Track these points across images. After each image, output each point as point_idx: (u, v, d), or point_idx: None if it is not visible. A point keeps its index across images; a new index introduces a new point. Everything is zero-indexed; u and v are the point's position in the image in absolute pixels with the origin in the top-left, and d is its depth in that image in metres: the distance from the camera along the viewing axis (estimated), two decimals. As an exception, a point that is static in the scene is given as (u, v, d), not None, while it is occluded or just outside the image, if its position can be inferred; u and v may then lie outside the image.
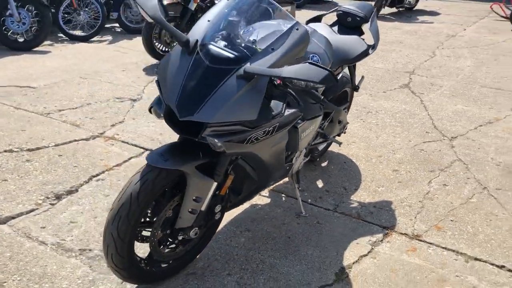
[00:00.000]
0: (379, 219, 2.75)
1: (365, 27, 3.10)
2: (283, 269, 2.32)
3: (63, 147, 3.46)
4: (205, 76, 1.83)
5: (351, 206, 2.87)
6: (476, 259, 2.45)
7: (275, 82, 1.95)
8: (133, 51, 6.18)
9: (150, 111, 2.01)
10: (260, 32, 2.00)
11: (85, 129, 3.78)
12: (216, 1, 5.68)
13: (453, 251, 2.50)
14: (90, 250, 2.41)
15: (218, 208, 2.17)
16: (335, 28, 3.12)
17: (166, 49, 5.65)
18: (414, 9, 10.20)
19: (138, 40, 6.67)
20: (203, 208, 2.03)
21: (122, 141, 3.60)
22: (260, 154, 2.02)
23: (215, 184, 2.01)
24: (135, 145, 3.54)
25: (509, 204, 2.94)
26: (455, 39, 7.58)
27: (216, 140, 1.80)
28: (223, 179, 2.06)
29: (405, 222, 2.73)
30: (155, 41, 5.50)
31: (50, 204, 2.79)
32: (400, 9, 9.83)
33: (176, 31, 1.94)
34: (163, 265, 2.17)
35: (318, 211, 2.81)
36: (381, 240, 2.57)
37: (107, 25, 7.34)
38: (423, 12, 10.01)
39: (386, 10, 9.63)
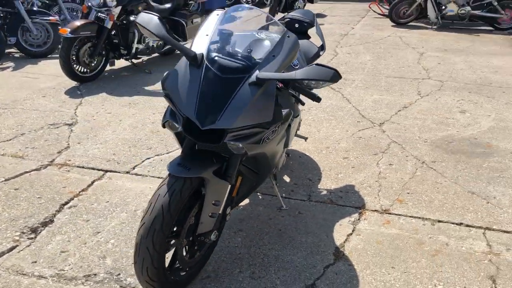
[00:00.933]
0: (350, 201, 3.06)
1: (311, 32, 3.41)
2: (287, 258, 2.52)
3: (15, 181, 3.28)
4: (219, 86, 1.97)
5: (322, 194, 3.15)
6: (439, 221, 2.86)
7: (278, 85, 2.14)
8: (44, 76, 5.89)
9: (163, 126, 2.08)
10: (257, 42, 2.18)
11: (31, 159, 3.60)
12: (132, 18, 5.67)
13: (419, 218, 2.89)
14: (95, 274, 2.39)
15: (228, 210, 2.30)
16: None
17: (86, 70, 5.49)
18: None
19: (45, 64, 6.39)
20: (220, 211, 2.15)
21: (78, 166, 3.50)
22: (268, 153, 2.20)
23: (229, 186, 2.14)
24: (93, 168, 3.47)
25: (446, 172, 3.43)
26: (348, 37, 8.32)
27: (239, 144, 1.95)
28: (235, 181, 2.20)
29: (371, 201, 3.07)
30: (73, 63, 5.33)
31: (29, 238, 2.67)
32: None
33: (184, 47, 2.04)
34: (182, 273, 2.24)
35: (295, 203, 3.04)
36: (359, 219, 2.88)
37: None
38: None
39: (277, 16, 10.19)
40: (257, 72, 2.00)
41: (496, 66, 6.33)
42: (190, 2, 6.74)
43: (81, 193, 3.14)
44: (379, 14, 10.53)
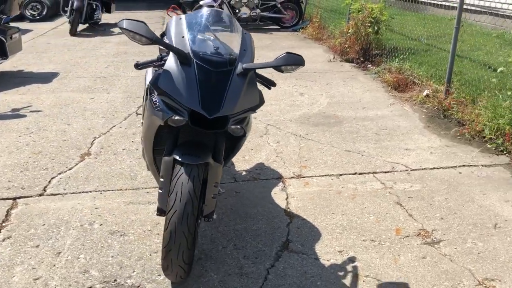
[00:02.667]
0: (269, 175, 3.56)
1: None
2: (253, 227, 2.88)
3: None
4: (214, 79, 2.22)
5: (243, 175, 3.56)
6: (340, 175, 3.59)
7: None
8: None
9: (166, 122, 2.21)
10: (227, 39, 2.46)
11: None
12: None
13: (325, 175, 3.57)
14: (91, 287, 2.35)
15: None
16: None
17: None
18: (99, 23, 10.76)
19: None
20: (219, 192, 2.40)
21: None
22: (248, 133, 2.52)
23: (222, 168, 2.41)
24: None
25: (321, 140, 4.22)
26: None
27: (239, 127, 2.25)
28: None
29: (284, 171, 3.62)
30: None
31: None
32: (93, 25, 10.24)
33: (177, 48, 2.21)
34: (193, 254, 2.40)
35: (227, 185, 3.39)
36: (285, 186, 3.40)
37: None
38: (113, 25, 10.70)
39: (79, 27, 9.86)
40: (240, 64, 2.32)
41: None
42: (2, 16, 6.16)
43: (4, 224, 2.87)
44: (176, 20, 11.13)
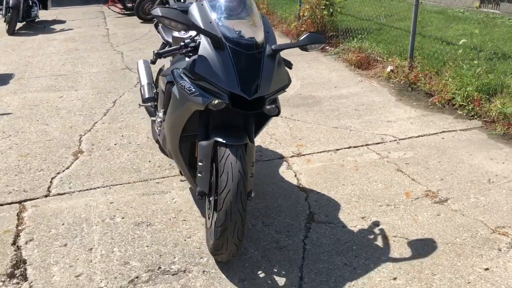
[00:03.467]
0: (270, 155, 3.67)
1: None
2: (274, 204, 2.99)
3: None
4: (248, 61, 2.27)
5: (245, 157, 3.63)
6: (337, 149, 3.76)
7: None
8: None
9: (208, 106, 2.23)
10: (250, 21, 2.49)
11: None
12: None
13: (324, 151, 3.73)
14: (137, 277, 2.35)
15: None
16: None
17: None
18: (36, 20, 10.24)
19: None
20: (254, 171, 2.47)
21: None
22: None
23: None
24: (1, 204, 3.01)
25: (307, 120, 4.37)
26: (113, 37, 8.43)
27: (274, 106, 2.33)
28: None
29: (283, 151, 3.74)
30: None
31: (17, 283, 2.33)
32: (31, 22, 9.71)
33: (212, 33, 2.24)
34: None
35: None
36: (289, 165, 3.52)
37: None
38: (52, 22, 10.21)
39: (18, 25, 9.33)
40: (268, 45, 2.38)
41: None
42: None
43: (20, 227, 2.77)
44: (118, 13, 10.82)
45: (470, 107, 4.37)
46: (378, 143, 3.85)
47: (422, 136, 3.98)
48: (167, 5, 2.27)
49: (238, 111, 2.29)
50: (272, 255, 2.51)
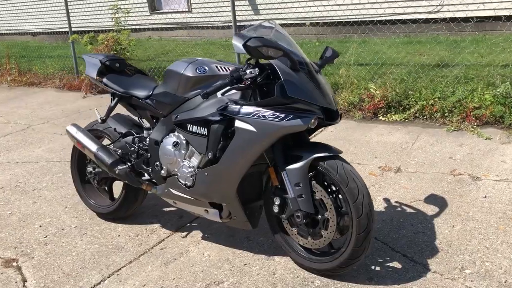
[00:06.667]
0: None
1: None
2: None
3: None
4: (318, 78, 2.34)
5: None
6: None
7: None
8: None
9: (308, 125, 2.20)
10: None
11: None
12: None
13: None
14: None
15: None
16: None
17: None
18: None
19: None
20: None
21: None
22: None
23: None
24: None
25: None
26: None
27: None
28: None
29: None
30: None
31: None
32: None
33: (294, 54, 2.28)
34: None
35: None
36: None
37: None
38: None
39: None
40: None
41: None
42: None
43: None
44: None
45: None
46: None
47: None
48: (254, 37, 2.22)
49: (328, 123, 2.36)
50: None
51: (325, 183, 2.36)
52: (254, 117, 2.28)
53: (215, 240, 2.88)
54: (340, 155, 2.34)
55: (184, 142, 2.62)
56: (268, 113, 2.26)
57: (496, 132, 4.18)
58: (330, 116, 2.31)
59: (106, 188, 3.24)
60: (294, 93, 2.20)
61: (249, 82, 2.26)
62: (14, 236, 3.13)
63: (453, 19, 7.38)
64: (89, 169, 3.18)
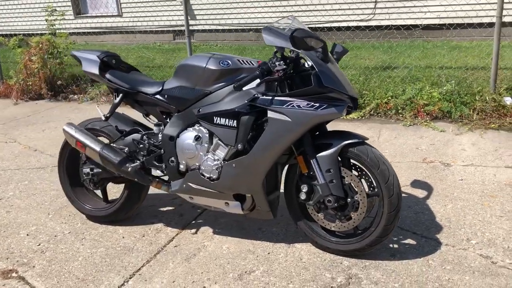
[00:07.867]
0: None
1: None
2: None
3: None
4: (339, 69, 2.45)
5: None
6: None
7: None
8: None
9: (342, 114, 2.33)
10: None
11: None
12: None
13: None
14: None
15: None
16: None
17: None
18: None
19: None
20: None
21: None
22: None
23: None
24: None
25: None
26: None
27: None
28: None
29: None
30: None
31: None
32: None
33: (326, 46, 2.35)
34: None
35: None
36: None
37: None
38: None
39: None
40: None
41: None
42: None
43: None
44: None
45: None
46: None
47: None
48: (294, 29, 2.19)
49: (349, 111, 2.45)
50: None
51: (352, 168, 2.49)
52: (289, 107, 2.34)
53: (228, 234, 2.89)
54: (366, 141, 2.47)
55: (207, 135, 2.61)
56: (302, 102, 2.33)
57: (448, 125, 4.61)
58: (353, 105, 2.44)
59: (101, 190, 3.10)
60: (329, 83, 2.29)
61: (281, 74, 2.33)
62: (1, 247, 2.89)
63: (386, 27, 8.01)
64: (86, 170, 2.99)
